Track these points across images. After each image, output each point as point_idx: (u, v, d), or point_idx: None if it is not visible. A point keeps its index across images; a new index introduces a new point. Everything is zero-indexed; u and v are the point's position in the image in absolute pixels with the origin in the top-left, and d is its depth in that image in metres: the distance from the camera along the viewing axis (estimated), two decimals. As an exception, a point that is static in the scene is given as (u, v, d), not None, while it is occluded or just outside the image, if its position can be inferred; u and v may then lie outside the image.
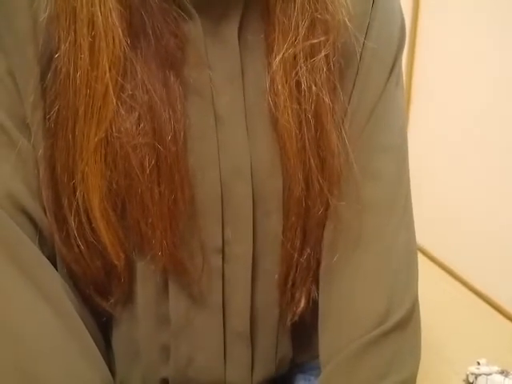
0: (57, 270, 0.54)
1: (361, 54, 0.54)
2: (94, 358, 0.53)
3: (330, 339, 0.58)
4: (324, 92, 0.51)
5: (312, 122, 0.52)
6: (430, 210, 1.50)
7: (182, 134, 0.50)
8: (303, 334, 0.65)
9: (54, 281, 0.52)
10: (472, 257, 1.46)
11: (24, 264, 0.51)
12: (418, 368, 0.58)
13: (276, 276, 0.58)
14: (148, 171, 0.50)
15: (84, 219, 0.51)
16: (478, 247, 1.44)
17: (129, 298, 0.57)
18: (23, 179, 0.51)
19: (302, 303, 0.59)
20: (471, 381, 0.82)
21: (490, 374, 0.84)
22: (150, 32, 0.48)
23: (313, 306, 0.60)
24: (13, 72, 0.49)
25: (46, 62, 0.49)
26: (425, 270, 1.33)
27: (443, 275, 1.52)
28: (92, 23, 0.47)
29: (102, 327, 0.60)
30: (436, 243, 1.56)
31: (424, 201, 1.26)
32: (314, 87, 0.51)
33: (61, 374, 0.50)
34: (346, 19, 0.51)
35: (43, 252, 0.52)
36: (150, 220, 0.51)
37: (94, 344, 0.54)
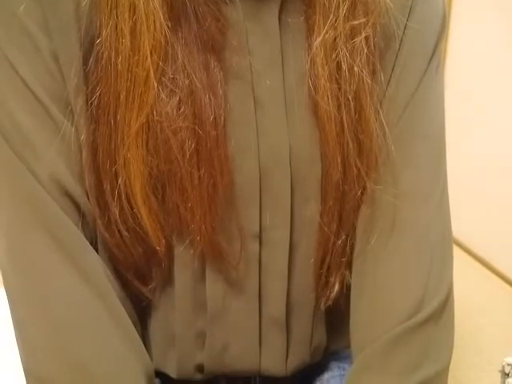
0: (98, 253, 0.55)
1: (401, 37, 0.53)
2: (134, 342, 0.54)
3: (362, 328, 0.58)
4: (365, 73, 0.51)
5: (352, 104, 0.52)
6: (467, 202, 1.48)
7: (222, 118, 0.50)
8: (338, 321, 0.65)
9: (96, 265, 0.53)
10: (507, 249, 1.44)
11: (67, 247, 0.51)
12: (450, 358, 0.57)
13: (312, 260, 0.58)
14: (188, 155, 0.50)
15: (126, 205, 0.52)
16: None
17: (167, 283, 0.58)
18: (67, 163, 0.51)
19: (336, 287, 0.59)
20: (507, 371, 0.81)
21: (527, 365, 0.83)
22: (192, 15, 0.49)
23: (347, 293, 0.60)
24: (57, 56, 0.49)
25: (88, 47, 0.49)
26: (460, 261, 1.32)
27: (478, 267, 1.51)
28: (133, 7, 0.47)
29: (140, 313, 0.60)
30: (472, 235, 1.54)
31: (462, 194, 1.25)
32: (354, 68, 0.51)
33: (103, 358, 0.51)
34: (388, 1, 0.51)
35: (85, 236, 0.53)
36: (189, 204, 0.52)
37: (133, 328, 0.54)
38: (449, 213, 0.59)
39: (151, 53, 0.48)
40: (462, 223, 1.21)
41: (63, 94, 0.50)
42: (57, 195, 0.51)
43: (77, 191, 0.52)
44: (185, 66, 0.49)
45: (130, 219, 0.53)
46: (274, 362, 0.61)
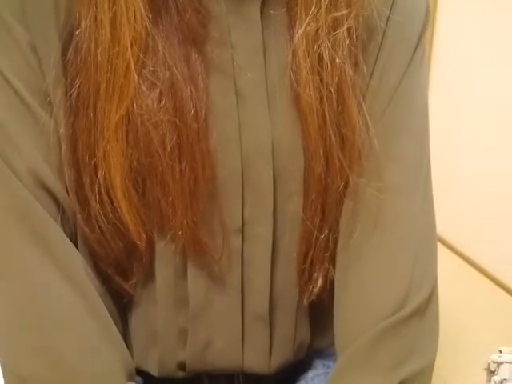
0: (78, 249, 0.54)
1: (384, 30, 0.53)
2: (114, 339, 0.54)
3: (345, 324, 0.58)
4: (347, 65, 0.51)
5: (334, 97, 0.51)
6: (450, 200, 1.49)
7: (203, 111, 0.50)
8: (321, 318, 0.64)
9: (76, 260, 0.52)
10: (491, 246, 1.45)
11: (46, 242, 0.50)
12: (435, 354, 0.57)
13: (294, 254, 0.57)
14: (169, 149, 0.49)
15: (106, 199, 0.51)
16: (497, 236, 1.43)
17: (148, 278, 0.57)
18: (45, 157, 0.51)
19: (320, 282, 0.59)
20: (493, 369, 0.81)
21: (514, 363, 0.83)
22: (172, 7, 0.48)
23: (330, 288, 0.60)
24: (35, 46, 0.49)
25: (67, 38, 0.49)
26: (444, 259, 1.32)
27: (463, 264, 1.51)
28: None
29: (121, 309, 0.60)
30: (455, 232, 1.55)
31: (445, 191, 1.25)
32: (336, 60, 0.50)
33: (82, 355, 0.51)
34: None
35: (65, 231, 0.52)
36: (170, 198, 0.51)
37: (114, 325, 0.54)
38: (433, 207, 0.58)
39: (131, 44, 0.47)
40: (446, 221, 1.22)
41: (42, 85, 0.50)
42: (35, 189, 0.50)
43: (56, 186, 0.52)
44: (165, 59, 0.48)
45: (110, 213, 0.52)
46: (257, 359, 0.60)
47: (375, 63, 0.54)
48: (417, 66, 0.56)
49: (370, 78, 0.54)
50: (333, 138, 0.52)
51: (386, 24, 0.53)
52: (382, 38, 0.54)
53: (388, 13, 0.53)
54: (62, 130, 0.50)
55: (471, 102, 1.47)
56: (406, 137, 0.56)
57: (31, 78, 0.49)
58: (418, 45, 0.55)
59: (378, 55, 0.54)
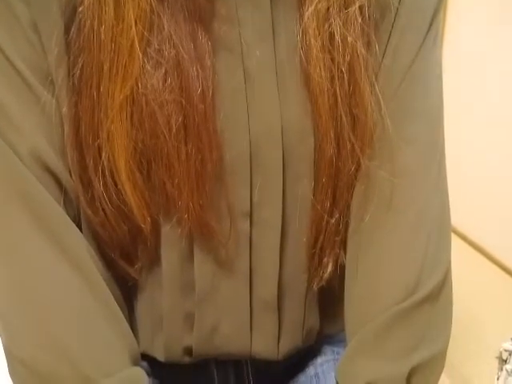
0: (81, 232, 0.53)
1: (397, 7, 0.51)
2: (118, 323, 0.53)
3: (356, 310, 0.57)
4: (359, 44, 0.49)
5: (345, 77, 0.50)
6: (463, 189, 1.48)
7: (210, 91, 0.48)
8: (331, 304, 0.63)
9: (80, 243, 0.52)
10: (503, 235, 1.44)
11: (49, 225, 0.50)
12: (448, 342, 0.56)
13: (304, 239, 0.56)
14: (175, 129, 0.48)
15: (109, 181, 0.50)
16: (509, 226, 1.42)
17: (154, 263, 0.56)
18: (48, 137, 0.50)
19: (330, 268, 0.57)
20: (504, 358, 0.80)
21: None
22: None
23: (340, 274, 0.59)
24: (36, 24, 0.48)
25: (70, 15, 0.48)
26: (456, 248, 1.31)
27: (475, 254, 1.50)
28: None
29: (126, 294, 0.59)
30: (467, 222, 1.54)
31: (457, 180, 1.24)
32: (348, 39, 0.49)
33: (87, 340, 0.50)
34: None
35: (68, 214, 0.51)
36: (176, 180, 0.50)
37: (119, 309, 0.53)
38: (447, 190, 0.57)
39: (136, 22, 0.46)
40: (459, 210, 1.21)
41: (43, 64, 0.49)
42: (37, 170, 0.50)
43: (58, 167, 0.51)
44: (171, 37, 0.47)
45: (114, 196, 0.51)
46: (265, 344, 0.59)
47: (388, 41, 0.53)
48: (430, 46, 0.54)
49: (383, 56, 0.53)
50: (344, 119, 0.51)
51: (399, 2, 0.52)
52: (395, 16, 0.52)
53: None
54: (64, 110, 0.49)
55: (481, 96, 1.46)
56: (419, 117, 0.54)
57: (32, 56, 0.48)
58: (431, 24, 0.53)
59: (390, 33, 0.52)
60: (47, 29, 0.48)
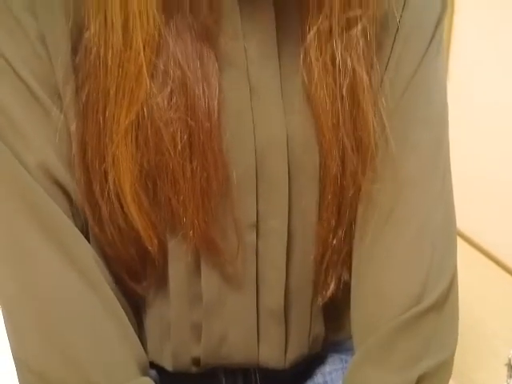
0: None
1: (399, 19, 0.52)
2: (127, 333, 0.53)
3: (362, 319, 0.57)
4: (360, 67, 0.50)
5: (347, 99, 0.50)
6: (468, 192, 1.47)
7: (215, 109, 0.49)
8: (337, 311, 0.64)
9: (88, 254, 0.52)
10: (508, 238, 1.43)
11: (57, 236, 0.50)
12: (455, 348, 0.56)
13: (312, 257, 0.57)
14: (180, 147, 0.48)
15: (116, 204, 0.51)
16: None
17: (161, 279, 0.57)
18: (56, 150, 0.50)
19: (332, 287, 0.58)
20: (514, 365, 0.80)
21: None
22: (185, 5, 0.47)
23: (344, 287, 0.59)
24: (44, 38, 0.48)
25: (77, 38, 0.48)
26: (461, 251, 1.31)
27: (482, 258, 1.49)
28: (125, 1, 0.45)
29: (134, 304, 0.59)
30: (472, 225, 1.53)
31: (462, 184, 1.24)
32: (349, 62, 0.49)
33: (93, 347, 0.50)
34: None
35: (76, 225, 0.52)
36: (181, 197, 0.50)
37: (127, 319, 0.54)
38: (452, 197, 0.57)
39: (144, 48, 0.46)
40: (464, 213, 1.21)
41: (51, 78, 0.49)
42: (45, 183, 0.50)
43: (66, 179, 0.51)
44: (177, 57, 0.47)
45: (121, 219, 0.52)
46: (272, 353, 0.60)
47: (391, 54, 0.53)
48: (433, 56, 0.54)
49: (386, 68, 0.53)
50: (346, 140, 0.51)
51: (401, 14, 0.52)
52: (398, 27, 0.52)
53: (403, 2, 0.52)
54: (72, 128, 0.50)
55: (485, 96, 1.46)
56: (422, 126, 0.54)
57: (40, 69, 0.49)
58: (434, 34, 0.54)
59: (393, 44, 0.53)
60: (55, 45, 0.48)
